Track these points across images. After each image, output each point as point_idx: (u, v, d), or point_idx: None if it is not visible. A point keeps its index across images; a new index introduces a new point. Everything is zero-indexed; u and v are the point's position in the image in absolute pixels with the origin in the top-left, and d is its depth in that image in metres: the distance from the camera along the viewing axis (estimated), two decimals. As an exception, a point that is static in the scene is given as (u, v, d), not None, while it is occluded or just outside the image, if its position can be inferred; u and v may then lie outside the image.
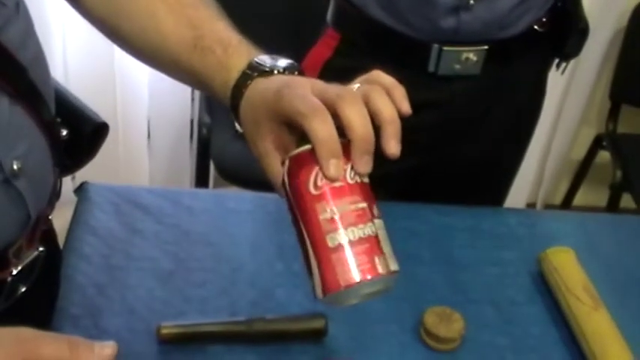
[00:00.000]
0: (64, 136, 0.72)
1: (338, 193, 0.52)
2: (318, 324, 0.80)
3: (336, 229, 0.51)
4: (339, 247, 0.51)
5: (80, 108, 0.79)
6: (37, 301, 0.70)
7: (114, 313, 0.82)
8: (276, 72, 0.59)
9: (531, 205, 2.24)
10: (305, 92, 0.54)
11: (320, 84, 0.56)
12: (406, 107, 0.56)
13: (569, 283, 0.88)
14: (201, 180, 1.80)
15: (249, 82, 0.59)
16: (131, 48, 0.69)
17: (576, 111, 2.08)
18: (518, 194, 2.06)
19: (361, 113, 0.52)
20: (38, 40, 0.66)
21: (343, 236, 0.51)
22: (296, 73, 0.60)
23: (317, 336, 0.80)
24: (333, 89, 0.54)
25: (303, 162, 0.52)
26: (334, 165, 0.51)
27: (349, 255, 0.51)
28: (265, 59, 0.60)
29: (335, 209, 0.51)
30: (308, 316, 0.81)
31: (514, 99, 1.11)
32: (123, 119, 1.84)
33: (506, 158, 1.22)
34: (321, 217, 0.51)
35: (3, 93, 0.58)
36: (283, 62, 0.61)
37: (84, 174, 0.96)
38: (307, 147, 0.52)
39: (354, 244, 0.51)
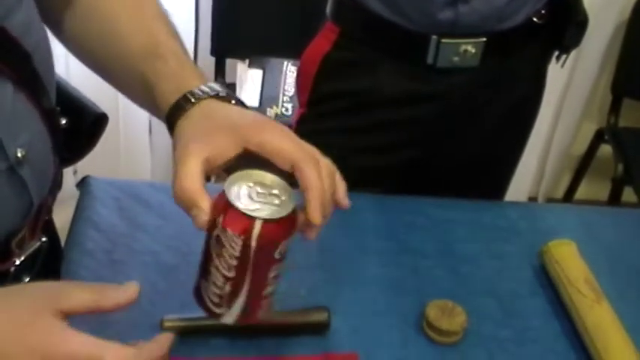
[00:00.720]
0: (64, 124, 0.72)
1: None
2: (320, 317, 0.80)
3: (272, 284, 0.58)
4: (267, 296, 0.59)
5: (80, 99, 0.79)
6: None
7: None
8: (233, 101, 0.61)
9: (533, 199, 2.24)
10: (295, 137, 0.57)
11: (294, 135, 0.58)
12: (346, 203, 0.60)
13: (571, 275, 0.88)
14: (203, 175, 1.80)
15: (202, 97, 0.60)
16: (81, 48, 0.71)
17: (578, 105, 2.09)
18: (519, 188, 2.06)
19: (329, 185, 0.57)
20: (43, 27, 0.66)
21: (272, 289, 0.59)
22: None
23: (319, 329, 0.80)
24: (309, 147, 0.58)
25: (280, 230, 0.54)
26: (322, 213, 0.55)
27: (270, 301, 0.61)
28: (220, 87, 0.62)
29: (280, 271, 0.58)
30: (311, 310, 0.81)
31: (513, 91, 1.11)
32: (124, 114, 1.84)
33: (506, 151, 1.22)
34: (270, 275, 0.57)
35: (7, 80, 0.58)
36: (238, 96, 0.63)
37: (85, 168, 0.96)
38: (283, 215, 0.54)
39: (272, 294, 0.60)
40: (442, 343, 0.82)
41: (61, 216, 0.86)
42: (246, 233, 0.52)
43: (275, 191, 0.55)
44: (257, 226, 0.52)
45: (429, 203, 1.04)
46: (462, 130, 1.12)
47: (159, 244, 0.92)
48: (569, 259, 0.91)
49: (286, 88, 1.82)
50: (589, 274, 0.88)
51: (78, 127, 0.75)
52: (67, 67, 1.72)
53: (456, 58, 1.02)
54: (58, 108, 0.71)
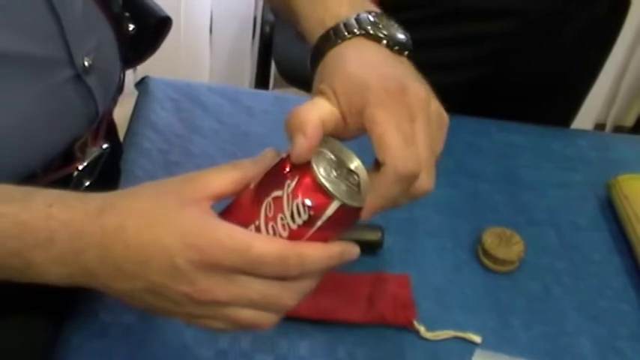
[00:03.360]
0: (131, 31, 0.70)
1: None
2: (373, 236, 0.79)
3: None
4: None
5: (145, 1, 0.77)
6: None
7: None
8: (385, 41, 0.51)
9: (600, 126, 2.15)
10: (404, 123, 0.46)
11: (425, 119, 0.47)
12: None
13: (639, 212, 0.84)
14: (262, 79, 1.78)
15: (347, 36, 0.50)
16: None
17: (661, 28, 1.96)
18: (587, 113, 1.98)
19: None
20: None
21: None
22: (406, 53, 0.52)
23: (372, 248, 0.79)
24: (415, 157, 0.46)
25: (350, 220, 0.47)
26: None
27: None
28: (375, 19, 0.52)
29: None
30: (364, 227, 0.79)
31: (596, 10, 1.04)
32: (186, 11, 1.81)
33: (580, 74, 1.15)
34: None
35: None
36: (398, 33, 0.52)
37: (144, 67, 0.94)
38: (359, 205, 0.46)
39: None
40: (496, 271, 0.80)
41: (120, 113, 0.86)
42: (318, 210, 0.45)
43: (355, 177, 0.47)
44: (332, 207, 0.45)
45: (494, 125, 1.00)
46: (537, 48, 1.06)
47: (215, 148, 0.91)
48: (638, 195, 0.86)
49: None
50: (658, 211, 0.84)
51: (142, 31, 0.72)
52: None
53: (538, -29, 0.95)
54: (127, 13, 0.69)
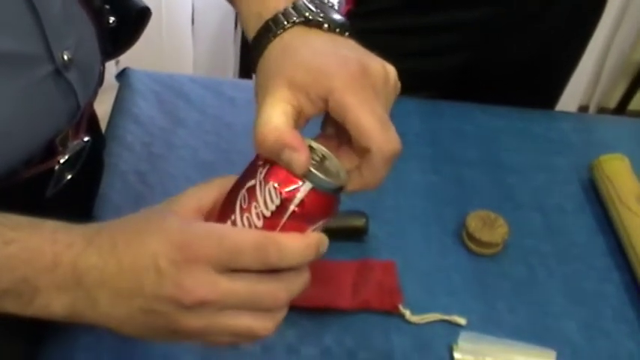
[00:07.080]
0: (112, 23, 0.69)
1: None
2: (358, 222, 0.79)
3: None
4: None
5: None
6: (81, 187, 0.71)
7: (154, 201, 0.81)
8: (325, 26, 0.50)
9: (584, 108, 2.16)
10: (375, 105, 0.46)
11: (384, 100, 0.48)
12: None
13: (622, 192, 0.84)
14: (245, 70, 1.77)
15: (287, 25, 0.50)
16: None
17: (642, 8, 1.97)
18: (571, 95, 1.98)
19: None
20: None
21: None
22: (346, 34, 0.51)
23: (357, 234, 0.79)
24: (395, 136, 0.47)
25: (325, 205, 0.46)
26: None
27: None
28: (312, 4, 0.51)
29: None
30: (349, 214, 0.80)
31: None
32: (167, 3, 1.80)
33: (563, 58, 1.15)
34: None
35: None
36: (335, 15, 0.51)
37: (127, 59, 0.94)
38: (332, 187, 0.46)
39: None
40: (481, 255, 0.80)
41: (102, 106, 0.85)
42: (289, 193, 0.45)
43: (326, 163, 0.47)
44: (303, 190, 0.45)
45: (477, 110, 1.01)
46: (519, 33, 1.06)
47: (197, 140, 0.91)
48: (620, 175, 0.87)
49: (334, -20, 1.75)
50: (641, 191, 0.85)
51: (122, 22, 0.72)
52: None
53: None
54: (107, 6, 0.68)
